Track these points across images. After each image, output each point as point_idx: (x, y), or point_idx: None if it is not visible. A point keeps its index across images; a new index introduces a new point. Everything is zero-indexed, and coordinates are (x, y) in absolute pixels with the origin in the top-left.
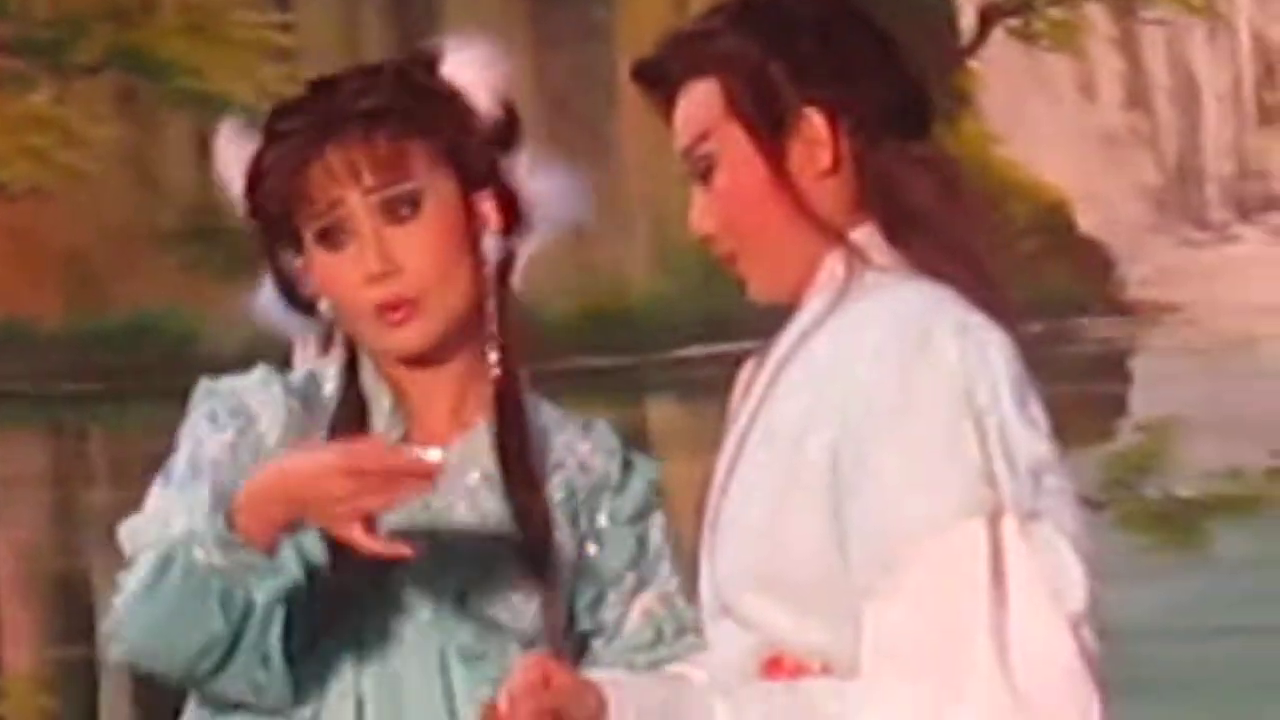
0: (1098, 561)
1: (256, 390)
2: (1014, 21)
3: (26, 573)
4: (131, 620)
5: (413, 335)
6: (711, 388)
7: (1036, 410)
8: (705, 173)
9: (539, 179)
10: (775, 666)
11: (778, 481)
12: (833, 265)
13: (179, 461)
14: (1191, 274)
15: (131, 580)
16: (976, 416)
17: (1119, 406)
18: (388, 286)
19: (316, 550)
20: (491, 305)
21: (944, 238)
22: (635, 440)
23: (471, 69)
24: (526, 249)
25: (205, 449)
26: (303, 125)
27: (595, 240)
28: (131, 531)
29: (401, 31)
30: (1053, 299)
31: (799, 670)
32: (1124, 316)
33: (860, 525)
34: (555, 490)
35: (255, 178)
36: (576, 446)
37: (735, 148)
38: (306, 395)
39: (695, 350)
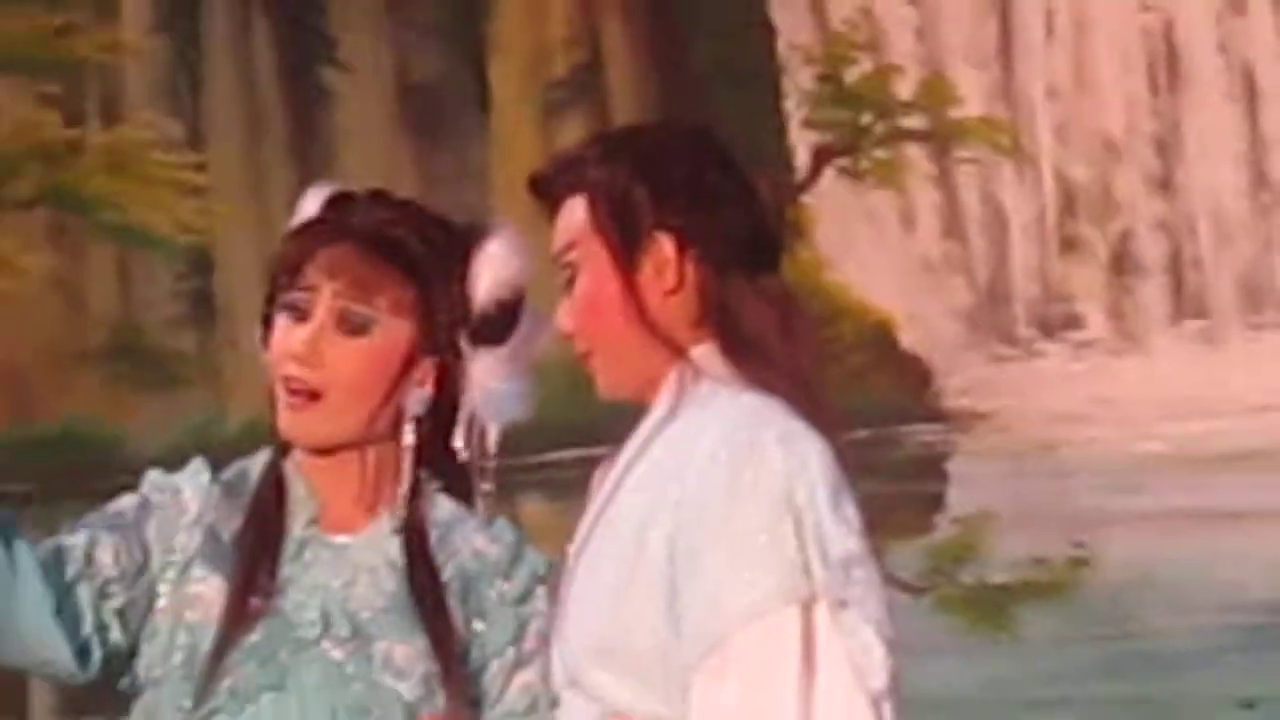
0: (914, 641)
1: (187, 475)
2: (843, 161)
3: None
4: None
5: (300, 422)
6: (576, 488)
7: (849, 510)
8: (570, 279)
9: (497, 372)
10: None
11: (620, 568)
12: (674, 376)
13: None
14: (1001, 385)
15: None
16: (795, 515)
17: (937, 503)
18: (302, 369)
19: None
20: (408, 439)
21: (776, 359)
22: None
23: (490, 262)
24: (469, 414)
25: (118, 504)
26: (330, 219)
27: None
28: None
29: (301, 170)
30: (878, 408)
31: None
32: (941, 424)
33: (691, 608)
34: (449, 573)
35: (286, 242)
36: (472, 538)
37: (594, 259)
38: (232, 484)
39: (561, 454)
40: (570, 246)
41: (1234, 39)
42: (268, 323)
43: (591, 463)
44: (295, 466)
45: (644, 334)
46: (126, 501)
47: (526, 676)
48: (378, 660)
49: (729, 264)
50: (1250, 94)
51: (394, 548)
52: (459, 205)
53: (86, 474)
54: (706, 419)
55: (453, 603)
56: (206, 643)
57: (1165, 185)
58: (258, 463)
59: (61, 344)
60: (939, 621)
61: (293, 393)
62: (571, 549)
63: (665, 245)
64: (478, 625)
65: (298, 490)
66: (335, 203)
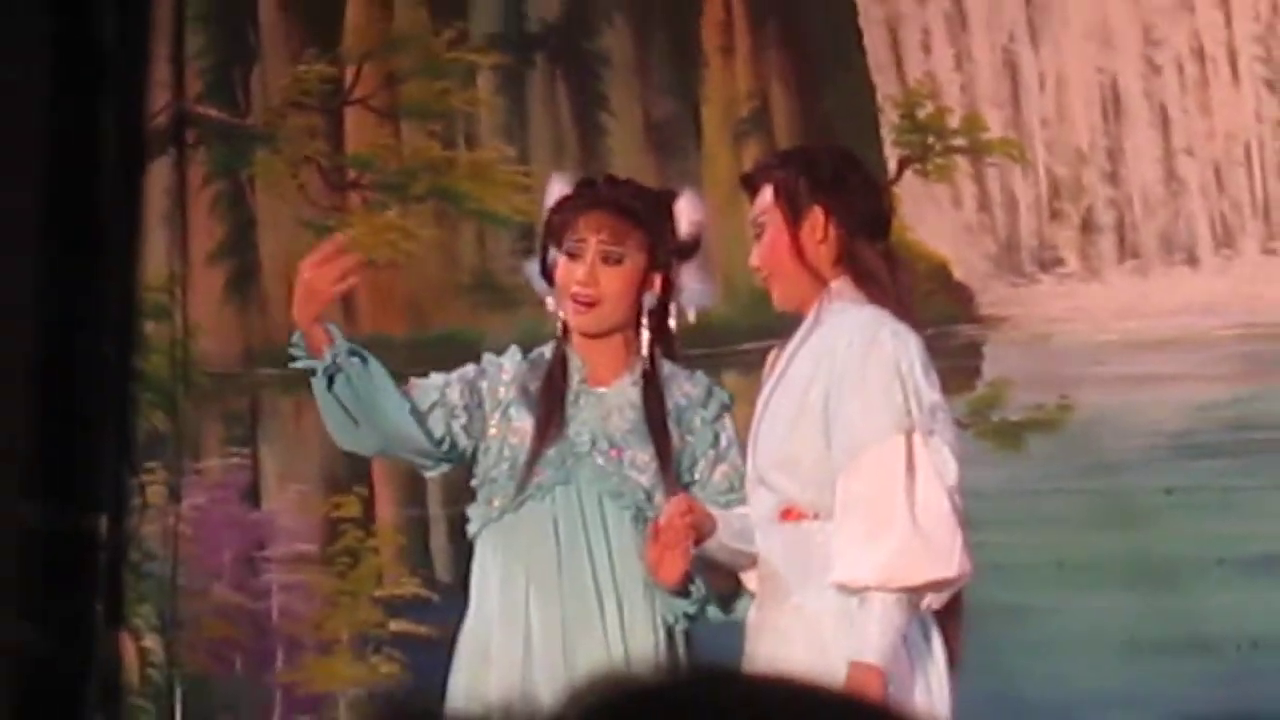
0: (964, 456)
1: (507, 355)
2: (916, 166)
3: None
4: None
5: (586, 320)
6: (757, 367)
7: (933, 377)
8: (759, 233)
9: (693, 277)
10: (788, 514)
11: (793, 410)
12: (819, 300)
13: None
14: (1014, 301)
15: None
16: (900, 378)
17: (977, 372)
18: (584, 289)
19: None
20: (645, 325)
21: (886, 288)
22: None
23: (686, 209)
24: (681, 307)
25: (459, 374)
26: (585, 194)
27: None
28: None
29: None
30: (940, 315)
31: (800, 516)
32: (978, 324)
33: (837, 434)
34: (668, 406)
35: (554, 212)
36: (683, 385)
37: (774, 222)
38: (534, 360)
39: (748, 345)
40: (762, 213)
41: (1152, 89)
42: (545, 263)
43: (763, 352)
44: (573, 346)
45: (801, 267)
46: (471, 367)
47: (724, 468)
48: (626, 462)
49: (856, 229)
50: (1164, 122)
51: (635, 393)
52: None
53: (458, 362)
54: (843, 321)
55: (670, 425)
56: (522, 456)
57: (1113, 178)
58: (549, 346)
59: (444, 282)
60: (979, 444)
61: (579, 303)
62: (759, 399)
63: (817, 213)
64: (689, 438)
65: (574, 361)
66: (583, 185)
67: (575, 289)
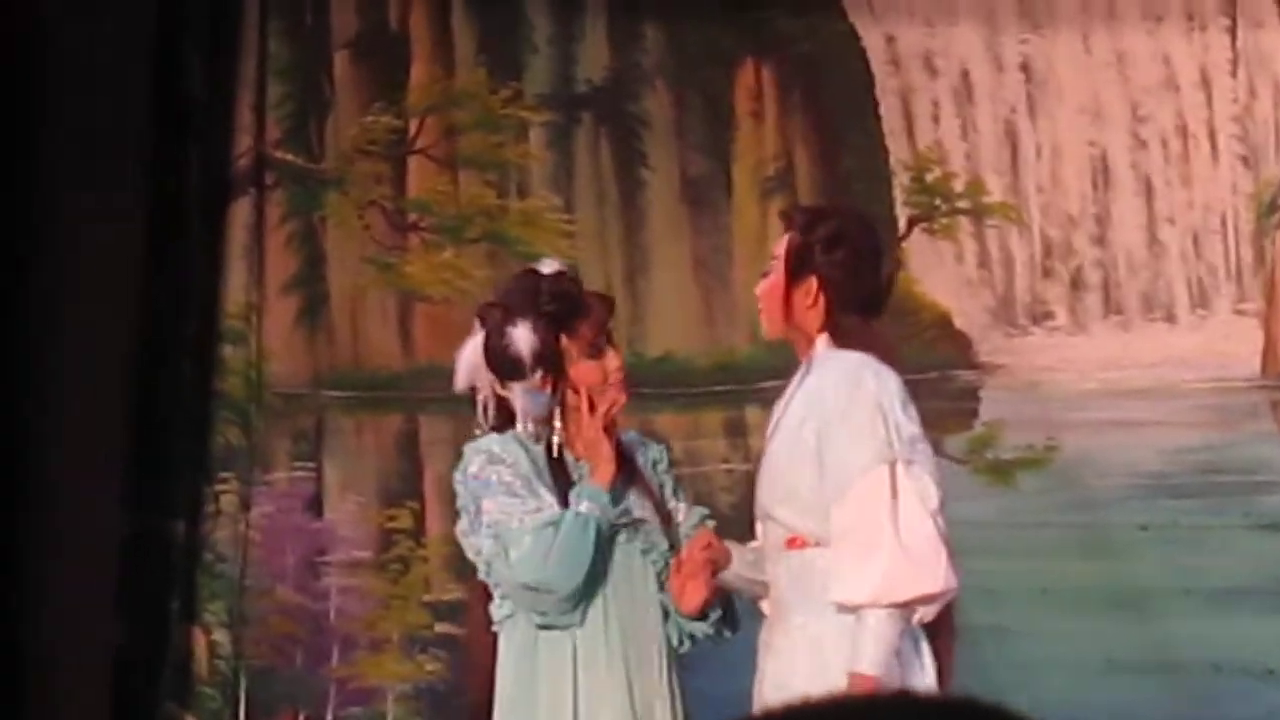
0: (960, 491)
1: (497, 443)
2: (924, 224)
3: None
4: (555, 562)
5: (623, 396)
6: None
7: (912, 411)
8: (766, 274)
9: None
10: (793, 542)
11: (789, 450)
12: (811, 351)
13: (491, 485)
14: (1008, 351)
15: (546, 543)
16: (883, 415)
17: (974, 413)
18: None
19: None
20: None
21: (870, 344)
22: (741, 429)
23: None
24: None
25: (501, 477)
26: (563, 304)
27: (716, 326)
28: (500, 530)
29: (625, 224)
30: (942, 362)
31: (804, 544)
32: (976, 370)
33: (829, 468)
34: (646, 470)
35: (545, 343)
36: (637, 448)
37: (777, 271)
38: (524, 444)
39: (770, 383)
40: (775, 256)
41: (1138, 161)
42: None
43: (782, 389)
44: (566, 443)
45: (787, 318)
46: (509, 475)
47: (682, 507)
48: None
49: (845, 305)
50: (1148, 191)
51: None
52: (714, 248)
53: None
54: (831, 366)
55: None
56: None
57: (1101, 241)
58: (512, 436)
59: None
60: (974, 479)
61: (622, 389)
62: (766, 441)
63: (812, 282)
64: (663, 491)
65: (568, 457)
66: (525, 290)
67: (617, 375)
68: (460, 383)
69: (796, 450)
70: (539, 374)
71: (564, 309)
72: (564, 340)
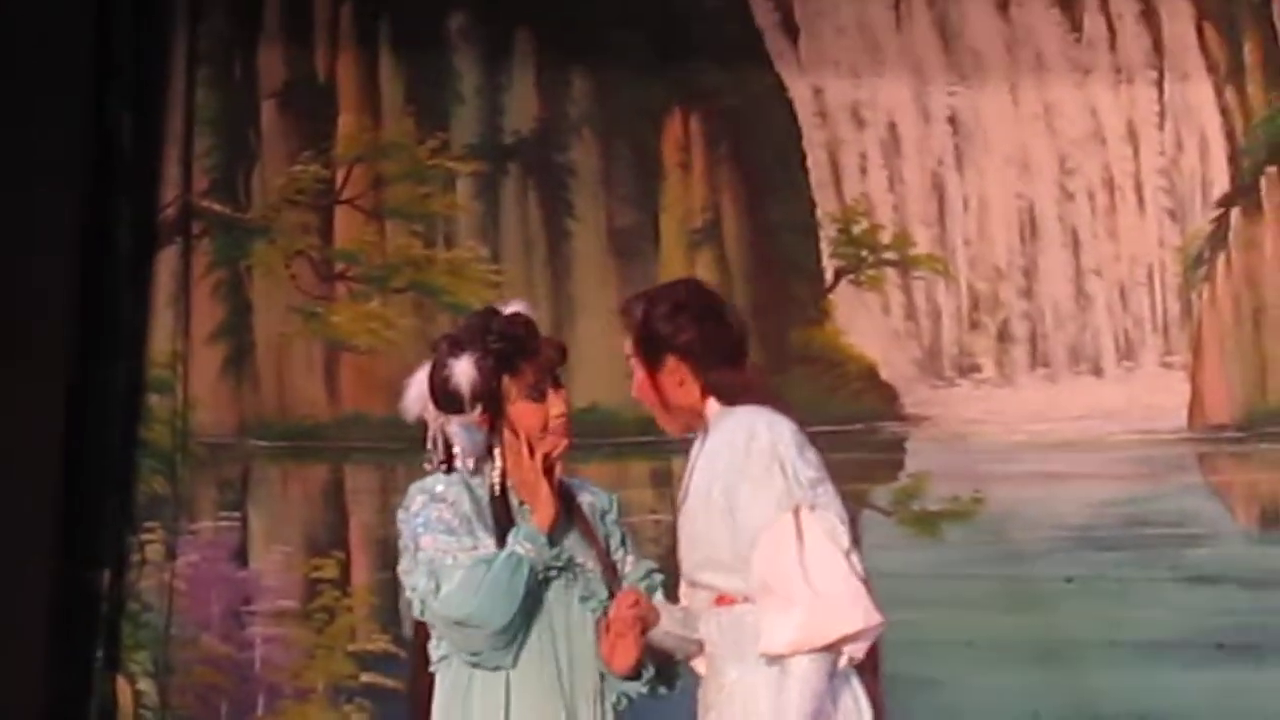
0: (886, 541)
1: (441, 483)
2: (850, 276)
3: None
4: (484, 597)
5: (564, 440)
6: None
7: (810, 454)
8: (632, 373)
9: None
10: (721, 600)
11: (702, 514)
12: (702, 420)
13: (431, 522)
14: (935, 403)
15: (477, 578)
16: (779, 462)
17: (900, 465)
18: (564, 417)
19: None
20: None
21: (753, 396)
22: (666, 480)
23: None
24: None
25: (440, 514)
26: (520, 333)
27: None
28: (435, 566)
29: (553, 275)
30: (868, 413)
31: (732, 601)
32: (902, 422)
33: (739, 525)
34: (591, 518)
35: (483, 381)
36: (583, 494)
37: (638, 368)
38: (465, 485)
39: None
40: (628, 355)
41: (1065, 213)
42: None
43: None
44: (511, 486)
45: (666, 410)
46: (449, 514)
47: (632, 558)
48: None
49: (714, 364)
50: (1075, 244)
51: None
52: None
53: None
54: (726, 424)
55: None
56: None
57: (1028, 293)
58: (456, 480)
59: (420, 367)
60: (900, 530)
61: (564, 434)
62: (679, 511)
63: (673, 362)
64: (609, 540)
65: (513, 500)
66: (475, 333)
67: (558, 421)
68: (409, 413)
69: (708, 512)
70: (477, 410)
71: (510, 348)
72: (506, 380)
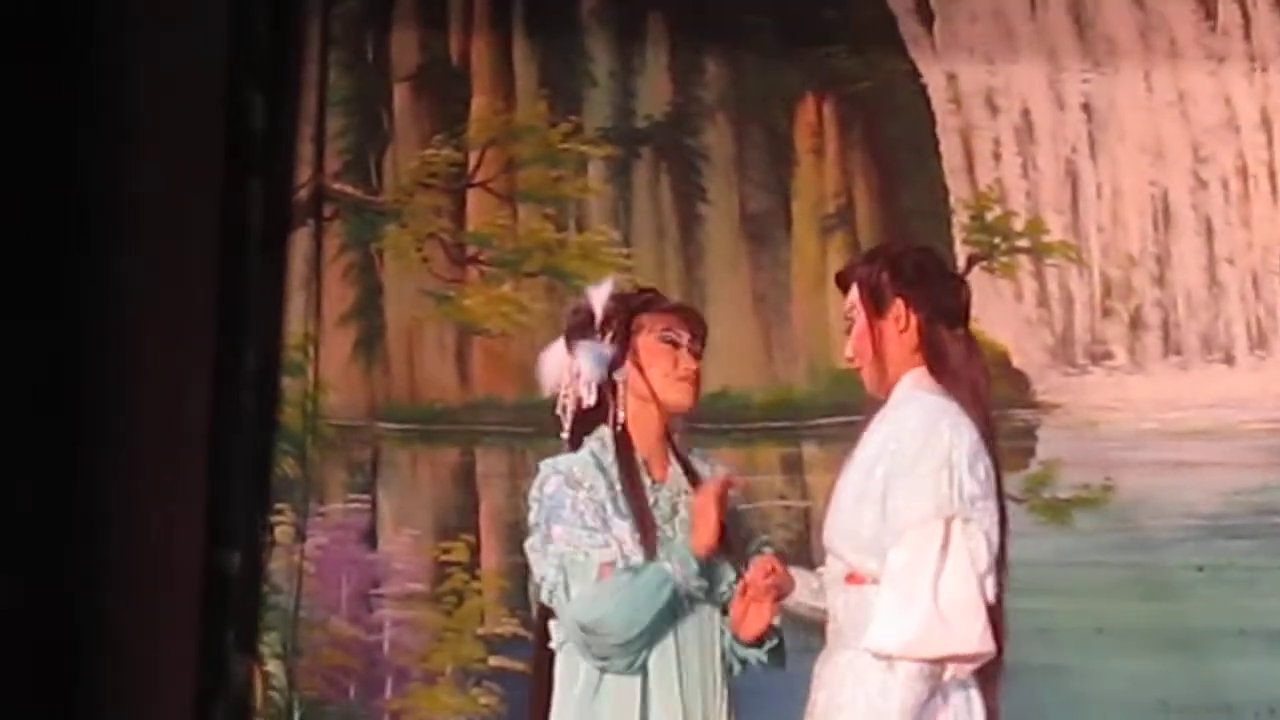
0: (1018, 528)
1: (578, 466)
2: (983, 263)
3: None
4: (617, 607)
5: (691, 398)
6: (832, 439)
7: (981, 469)
8: (849, 326)
9: None
10: (851, 578)
11: (858, 489)
12: (896, 387)
13: (560, 513)
14: (1066, 390)
15: (614, 587)
16: (949, 469)
17: (1031, 452)
18: (693, 368)
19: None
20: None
21: (959, 374)
22: (797, 466)
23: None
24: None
25: (574, 504)
26: (651, 299)
27: (774, 362)
28: (566, 562)
29: (685, 259)
30: (1001, 401)
31: (862, 580)
32: (1034, 409)
33: (891, 513)
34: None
35: (626, 311)
36: (701, 465)
37: (860, 316)
38: (598, 465)
39: (826, 420)
40: (850, 308)
41: (1199, 201)
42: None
43: (839, 426)
44: (630, 445)
45: (884, 357)
46: (581, 500)
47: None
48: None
49: (935, 318)
50: (1208, 232)
51: (684, 482)
52: (773, 284)
53: (560, 425)
54: (911, 409)
55: None
56: (635, 560)
57: (1160, 281)
58: (597, 445)
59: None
60: (1030, 517)
61: (690, 381)
62: (842, 468)
63: (899, 305)
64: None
65: (638, 458)
66: (622, 295)
67: (686, 372)
68: (545, 380)
69: (865, 489)
70: (608, 332)
71: (648, 298)
72: (641, 316)
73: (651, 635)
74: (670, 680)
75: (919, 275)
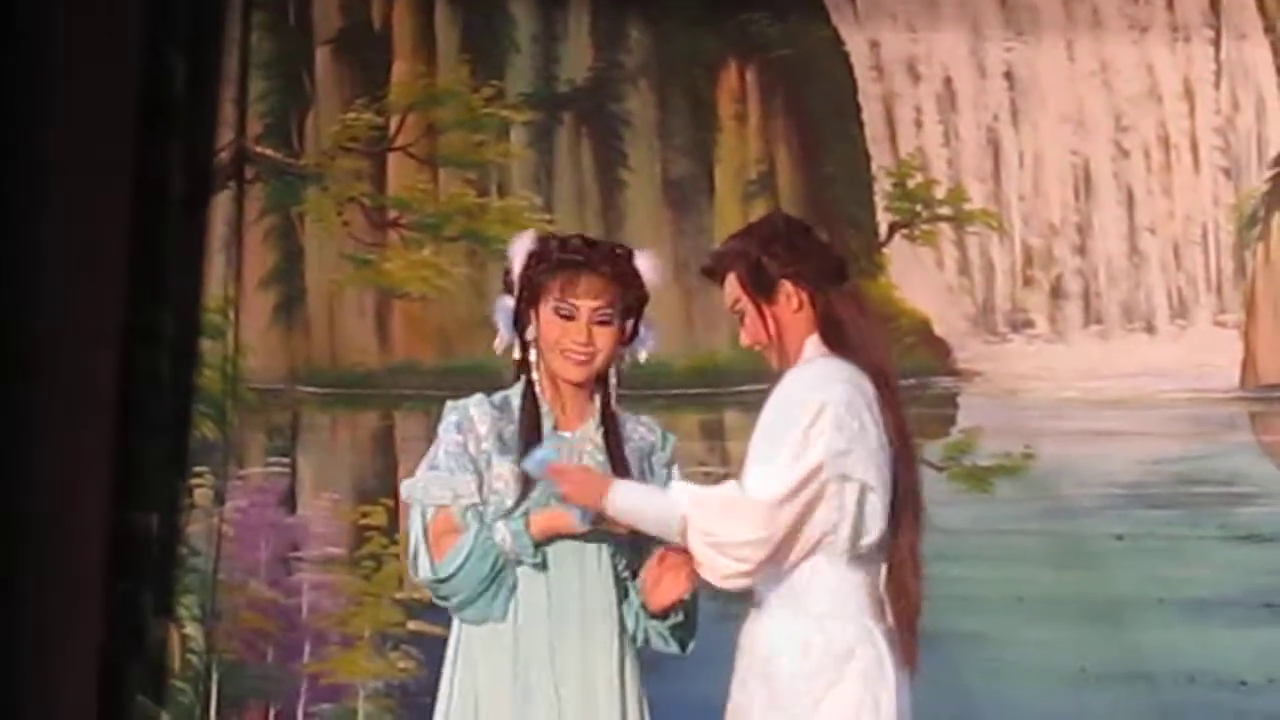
0: (938, 497)
1: (474, 405)
2: (905, 230)
3: None
4: (444, 567)
5: (581, 372)
6: (754, 406)
7: (855, 424)
8: (740, 317)
9: (644, 326)
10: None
11: (753, 453)
12: (794, 358)
13: (437, 453)
14: (987, 358)
15: (446, 549)
16: (816, 415)
17: (952, 420)
18: (584, 348)
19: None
20: (614, 369)
21: (855, 333)
22: (718, 433)
23: (646, 267)
24: (634, 352)
25: (449, 447)
26: (570, 258)
27: (696, 329)
28: (414, 490)
29: (605, 225)
30: (922, 368)
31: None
32: (955, 377)
33: (748, 461)
34: (628, 449)
35: (534, 270)
36: (636, 428)
37: (750, 309)
38: (499, 405)
39: (748, 387)
40: (736, 301)
41: (1120, 170)
42: (518, 314)
43: (761, 394)
44: (541, 392)
45: (783, 345)
46: (453, 436)
47: None
48: None
49: (823, 284)
50: (1130, 201)
51: (599, 436)
52: (695, 251)
53: (480, 388)
54: (801, 372)
55: (631, 465)
56: (508, 500)
57: (1082, 250)
58: (514, 391)
59: (472, 316)
60: (951, 485)
61: (576, 359)
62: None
63: (786, 286)
64: (649, 478)
65: (544, 406)
66: (555, 242)
67: (573, 347)
68: (500, 332)
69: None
70: (516, 292)
71: (564, 259)
72: (549, 282)
73: (494, 589)
74: (539, 629)
75: (794, 251)
